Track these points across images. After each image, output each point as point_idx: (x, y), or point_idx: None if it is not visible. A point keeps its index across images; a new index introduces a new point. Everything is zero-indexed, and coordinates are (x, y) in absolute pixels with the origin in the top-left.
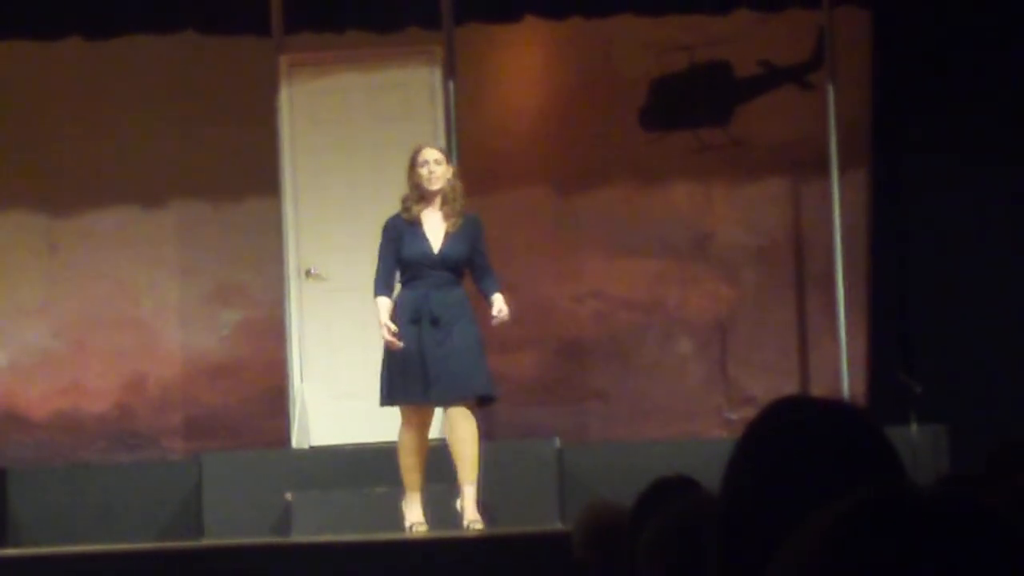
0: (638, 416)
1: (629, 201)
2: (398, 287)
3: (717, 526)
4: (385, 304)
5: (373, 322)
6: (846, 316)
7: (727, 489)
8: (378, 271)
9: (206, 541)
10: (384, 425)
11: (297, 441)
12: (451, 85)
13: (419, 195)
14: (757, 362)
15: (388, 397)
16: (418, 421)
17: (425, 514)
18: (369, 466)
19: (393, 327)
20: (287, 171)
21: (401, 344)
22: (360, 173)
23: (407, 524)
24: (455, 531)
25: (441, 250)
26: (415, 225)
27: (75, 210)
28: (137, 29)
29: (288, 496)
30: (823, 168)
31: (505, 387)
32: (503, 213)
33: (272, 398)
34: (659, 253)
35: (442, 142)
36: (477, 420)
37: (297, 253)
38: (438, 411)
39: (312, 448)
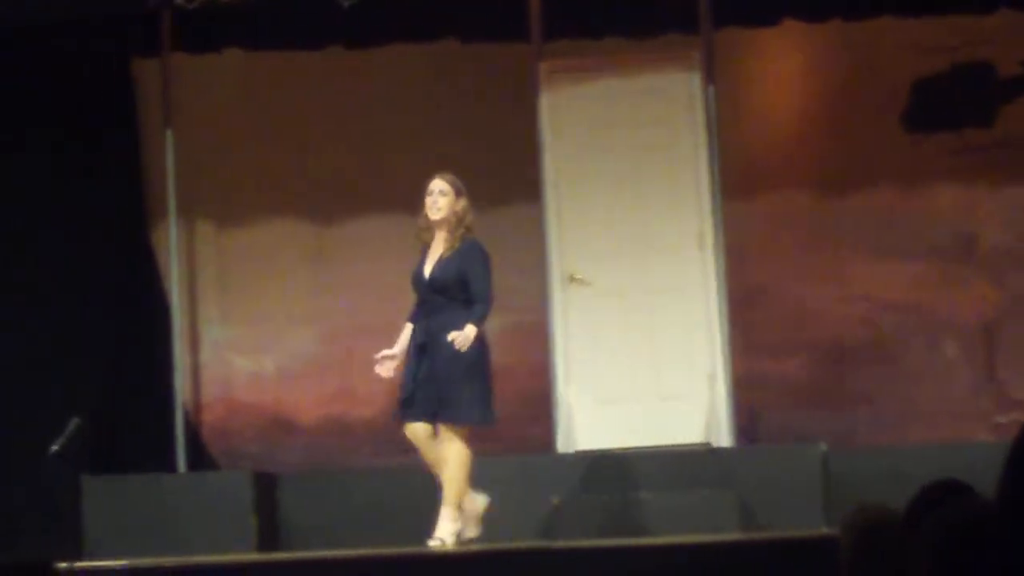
0: (905, 420)
1: (892, 203)
2: None
3: (996, 530)
4: (404, 330)
5: (637, 327)
6: None
7: (1004, 493)
8: None
9: (474, 546)
10: (649, 429)
11: (562, 445)
12: (711, 90)
13: (427, 223)
14: None
15: (398, 416)
16: (417, 440)
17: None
18: (635, 471)
19: (386, 353)
20: (548, 177)
21: (380, 372)
22: (621, 178)
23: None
24: (717, 535)
25: (430, 274)
26: (424, 252)
27: (340, 218)
28: (398, 38)
29: (555, 500)
30: None
31: (772, 391)
32: (765, 217)
33: (536, 403)
34: (923, 255)
35: (703, 147)
36: (461, 441)
37: (560, 258)
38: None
39: (578, 452)
